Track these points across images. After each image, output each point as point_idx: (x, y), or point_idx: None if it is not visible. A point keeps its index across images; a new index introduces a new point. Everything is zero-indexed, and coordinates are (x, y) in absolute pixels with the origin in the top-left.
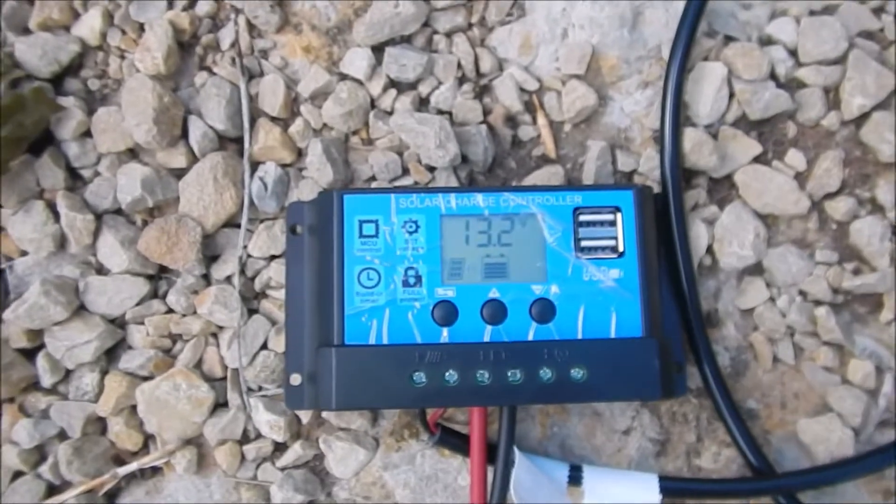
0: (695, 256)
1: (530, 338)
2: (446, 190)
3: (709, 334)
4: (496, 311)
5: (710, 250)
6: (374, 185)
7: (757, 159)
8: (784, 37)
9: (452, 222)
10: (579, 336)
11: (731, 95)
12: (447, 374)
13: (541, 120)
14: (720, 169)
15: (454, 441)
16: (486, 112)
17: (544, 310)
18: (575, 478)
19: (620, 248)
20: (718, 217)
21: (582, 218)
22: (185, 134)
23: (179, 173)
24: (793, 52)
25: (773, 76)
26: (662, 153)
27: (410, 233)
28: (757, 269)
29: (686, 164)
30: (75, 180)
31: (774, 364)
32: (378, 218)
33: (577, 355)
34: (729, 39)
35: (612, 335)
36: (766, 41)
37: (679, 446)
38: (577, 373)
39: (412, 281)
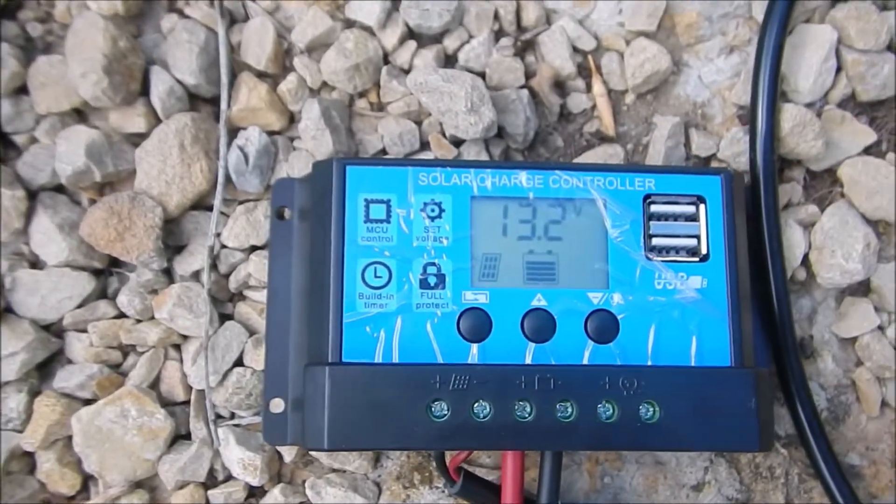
0: (787, 268)
1: (585, 361)
2: (480, 165)
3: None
4: (542, 325)
5: (805, 261)
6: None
7: (868, 150)
8: None
9: (487, 207)
10: (649, 362)
11: (839, 69)
12: (476, 405)
13: (597, 87)
14: (822, 160)
15: (481, 492)
16: (529, 75)
17: (604, 326)
18: None
19: (703, 251)
20: (818, 220)
21: (655, 209)
22: (146, 90)
23: (137, 140)
24: None
25: (890, 48)
26: (753, 135)
27: (432, 218)
28: (863, 289)
29: (782, 149)
30: (7, 149)
31: (882, 409)
32: (391, 197)
33: (648, 387)
34: None
35: (692, 363)
36: (884, 6)
37: None
38: (647, 411)
39: (433, 281)
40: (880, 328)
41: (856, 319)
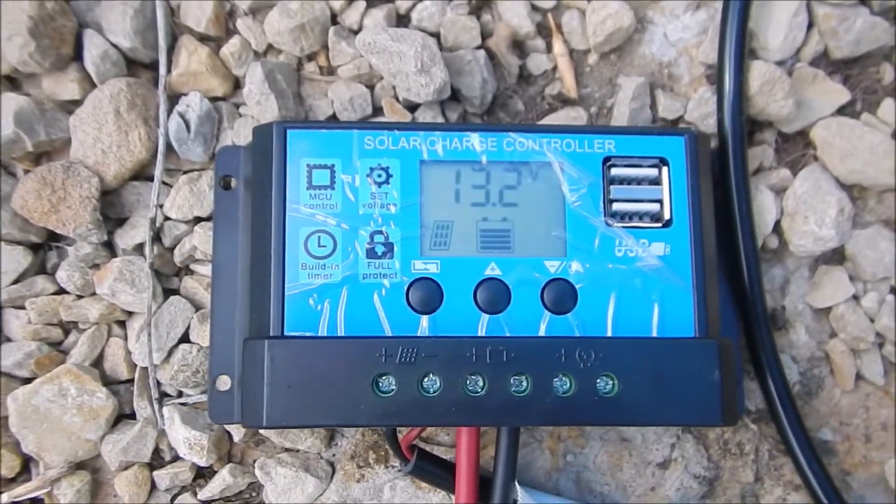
0: (758, 235)
1: (542, 333)
2: (430, 127)
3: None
4: (495, 296)
5: (777, 228)
6: None
7: (842, 110)
8: None
9: (437, 171)
10: (608, 333)
11: (811, 25)
12: (426, 380)
13: (558, 47)
14: (794, 121)
15: (435, 471)
16: (486, 35)
17: (562, 295)
18: None
19: (666, 215)
20: (790, 184)
21: (615, 172)
22: (79, 55)
23: (72, 107)
24: None
25: (863, 1)
26: (720, 94)
27: (379, 184)
28: (837, 257)
29: (751, 110)
30: None
31: (857, 383)
32: (335, 162)
33: (607, 360)
34: None
35: (654, 333)
36: None
37: (732, 486)
38: (605, 384)
39: (380, 250)
40: (855, 298)
41: (830, 289)
